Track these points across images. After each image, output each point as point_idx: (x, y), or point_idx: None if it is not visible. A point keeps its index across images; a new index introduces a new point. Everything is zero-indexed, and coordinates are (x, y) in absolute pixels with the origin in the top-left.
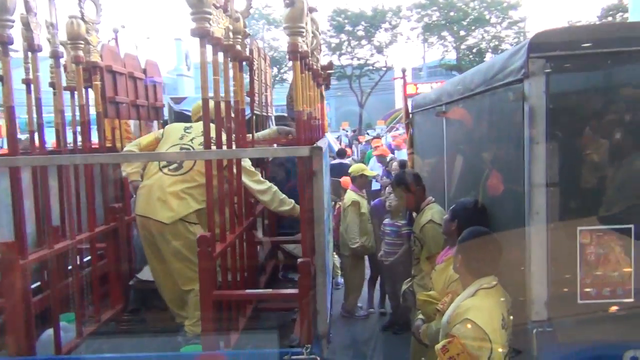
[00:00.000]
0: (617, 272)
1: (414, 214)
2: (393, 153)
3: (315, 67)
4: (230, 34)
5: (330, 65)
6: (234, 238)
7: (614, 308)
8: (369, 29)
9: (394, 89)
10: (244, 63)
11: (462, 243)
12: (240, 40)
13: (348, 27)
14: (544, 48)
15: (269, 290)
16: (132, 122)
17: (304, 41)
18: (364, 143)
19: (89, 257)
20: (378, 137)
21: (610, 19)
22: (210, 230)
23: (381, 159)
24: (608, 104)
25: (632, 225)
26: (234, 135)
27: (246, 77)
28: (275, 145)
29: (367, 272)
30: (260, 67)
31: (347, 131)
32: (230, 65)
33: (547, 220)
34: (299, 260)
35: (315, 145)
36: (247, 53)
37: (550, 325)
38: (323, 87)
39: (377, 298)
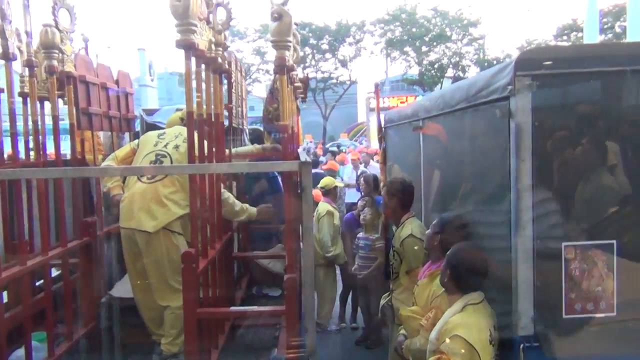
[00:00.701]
0: (600, 286)
1: (394, 228)
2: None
3: (295, 80)
4: (213, 46)
5: (306, 79)
6: (215, 253)
7: (597, 322)
8: (333, 42)
9: (357, 102)
10: (223, 75)
11: (451, 258)
12: (221, 52)
13: (312, 41)
14: (530, 66)
15: (255, 307)
16: (101, 134)
17: (290, 55)
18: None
19: (58, 273)
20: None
21: (565, 37)
22: (195, 244)
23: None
24: (592, 120)
25: (614, 241)
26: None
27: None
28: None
29: (339, 285)
30: (236, 79)
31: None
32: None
33: (533, 235)
34: (286, 276)
35: (304, 160)
36: (226, 65)
37: (537, 340)
38: (299, 100)
39: (349, 313)
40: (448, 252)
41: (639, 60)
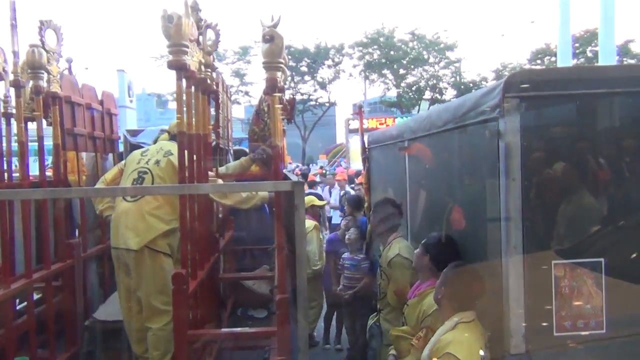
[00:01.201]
0: (589, 304)
1: (380, 248)
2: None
3: (284, 101)
4: (202, 68)
5: (292, 100)
6: (204, 274)
7: (588, 340)
8: (312, 65)
9: (336, 124)
10: (211, 96)
11: (448, 276)
12: (209, 73)
13: (291, 63)
14: (518, 88)
15: (247, 329)
16: (84, 155)
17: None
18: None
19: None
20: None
21: (539, 61)
22: (184, 265)
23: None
24: (579, 141)
25: (602, 259)
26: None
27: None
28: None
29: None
30: (223, 100)
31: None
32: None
33: (524, 253)
34: (278, 297)
35: (297, 179)
36: (214, 86)
37: (529, 358)
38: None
39: (333, 334)
40: (444, 270)
41: (625, 82)
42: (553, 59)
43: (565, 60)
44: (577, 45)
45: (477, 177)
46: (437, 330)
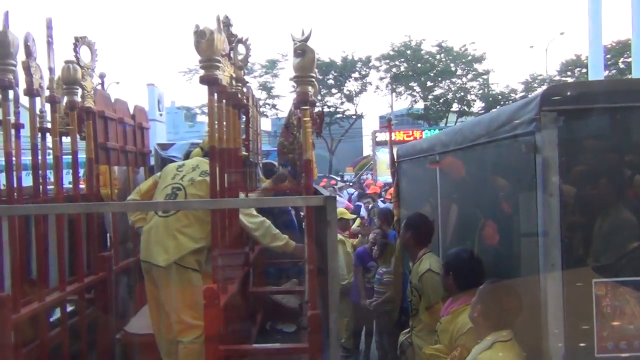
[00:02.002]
0: (633, 324)
1: (410, 264)
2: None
3: (313, 115)
4: (233, 82)
5: (322, 113)
6: (235, 288)
7: None
8: (339, 77)
9: (363, 136)
10: (241, 110)
11: (483, 293)
12: (240, 87)
13: (318, 75)
14: (555, 101)
15: (277, 345)
16: (116, 168)
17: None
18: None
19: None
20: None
21: (569, 73)
22: (215, 280)
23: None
24: (618, 154)
25: None
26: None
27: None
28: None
29: None
30: (253, 114)
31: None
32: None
33: (562, 272)
34: (310, 313)
35: (329, 194)
36: (244, 100)
37: None
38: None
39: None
40: (480, 288)
41: None
42: (584, 70)
43: (596, 71)
44: (608, 56)
45: (511, 191)
46: (473, 350)
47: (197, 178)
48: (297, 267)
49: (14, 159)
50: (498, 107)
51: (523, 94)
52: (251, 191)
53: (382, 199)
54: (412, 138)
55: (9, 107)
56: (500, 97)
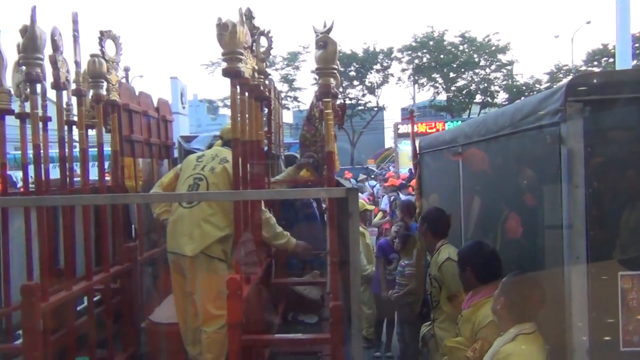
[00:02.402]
0: None
1: (428, 257)
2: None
3: (335, 107)
4: (256, 74)
5: (344, 106)
6: (257, 279)
7: None
8: (361, 69)
9: (384, 128)
10: (263, 103)
11: (507, 286)
12: (262, 80)
13: (340, 68)
14: (581, 91)
15: (300, 335)
16: (140, 161)
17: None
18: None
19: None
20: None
21: (595, 63)
22: (238, 271)
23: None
24: None
25: None
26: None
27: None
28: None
29: None
30: (275, 107)
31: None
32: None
33: (587, 264)
34: (332, 304)
35: (352, 186)
36: (267, 93)
37: None
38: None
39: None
40: (504, 280)
41: None
42: (611, 60)
43: (624, 61)
44: (637, 45)
45: (535, 183)
46: (496, 342)
47: (217, 166)
48: (319, 258)
49: (42, 151)
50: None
51: (548, 84)
52: (273, 184)
53: (400, 191)
54: (434, 130)
55: (37, 100)
56: (524, 88)
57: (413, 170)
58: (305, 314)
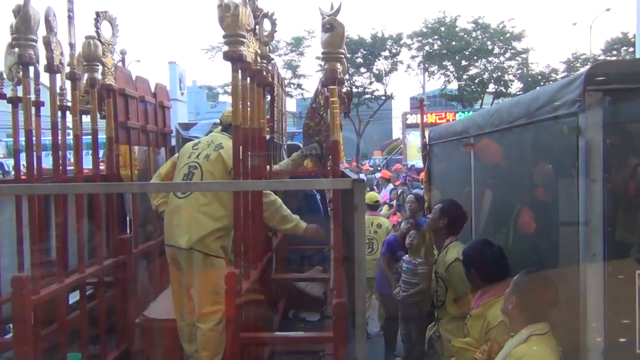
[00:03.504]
0: None
1: (436, 252)
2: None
3: (341, 94)
4: (258, 59)
5: (350, 93)
6: (257, 275)
7: None
8: (368, 56)
9: (392, 118)
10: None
11: (519, 284)
12: (265, 65)
13: (347, 54)
14: (601, 80)
15: (300, 333)
16: (136, 149)
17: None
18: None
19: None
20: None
21: (615, 52)
22: (237, 265)
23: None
24: None
25: None
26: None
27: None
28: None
29: None
30: (278, 93)
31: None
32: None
33: (604, 262)
34: (335, 301)
35: (358, 177)
36: (269, 78)
37: None
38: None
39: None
40: (515, 278)
41: None
42: (631, 49)
43: None
44: None
45: (551, 177)
46: (507, 343)
47: (212, 153)
48: (322, 253)
49: (34, 138)
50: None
51: (565, 74)
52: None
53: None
54: (444, 121)
55: (29, 84)
56: (540, 77)
57: (422, 162)
58: (306, 312)
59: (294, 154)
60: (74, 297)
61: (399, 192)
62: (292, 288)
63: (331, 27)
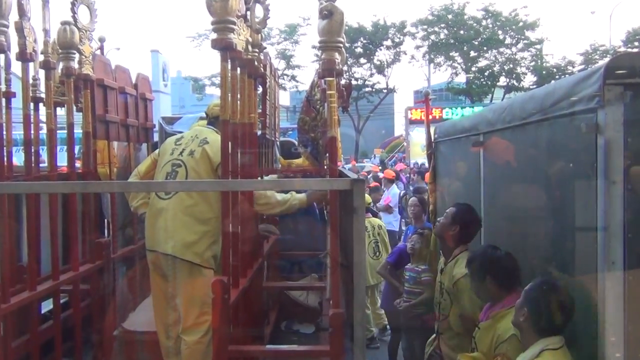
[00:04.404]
0: None
1: (442, 260)
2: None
3: (340, 87)
4: (249, 47)
5: (349, 85)
6: (247, 282)
7: None
8: (369, 45)
9: (394, 114)
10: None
11: (531, 295)
12: (257, 54)
13: (345, 43)
14: (622, 74)
15: (294, 347)
16: (115, 144)
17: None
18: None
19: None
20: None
21: (636, 43)
22: (226, 272)
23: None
24: None
25: None
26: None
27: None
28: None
29: None
30: (271, 85)
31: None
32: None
33: (624, 271)
34: (332, 312)
35: (357, 177)
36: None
37: None
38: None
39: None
40: (526, 288)
41: None
42: None
43: None
44: None
45: (567, 178)
46: (519, 358)
47: (196, 149)
48: (317, 259)
49: (4, 132)
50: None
51: (582, 67)
52: (267, 173)
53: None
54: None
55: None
56: (555, 70)
57: (427, 162)
58: (300, 323)
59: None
60: (47, 306)
61: (401, 195)
62: (284, 297)
63: (329, 13)
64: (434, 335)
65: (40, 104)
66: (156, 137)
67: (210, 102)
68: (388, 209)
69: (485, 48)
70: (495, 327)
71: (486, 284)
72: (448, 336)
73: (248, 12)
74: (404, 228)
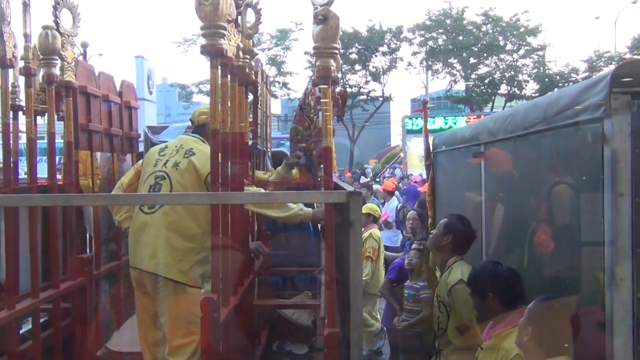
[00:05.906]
0: None
1: (438, 274)
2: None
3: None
4: (240, 53)
5: (345, 93)
6: (237, 300)
7: None
8: (364, 52)
9: (390, 122)
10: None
11: (536, 313)
12: (248, 60)
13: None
14: (628, 82)
15: None
16: (98, 155)
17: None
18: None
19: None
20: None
21: None
22: (215, 291)
23: None
24: None
25: None
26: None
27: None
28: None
29: None
30: (262, 93)
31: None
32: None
33: (633, 288)
34: (327, 331)
35: (354, 189)
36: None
37: None
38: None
39: None
40: (530, 306)
41: None
42: None
43: None
44: None
45: (572, 190)
46: None
47: (181, 160)
48: (310, 276)
49: None
50: (555, 89)
51: (586, 74)
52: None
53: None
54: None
55: None
56: (558, 77)
57: (426, 173)
58: (293, 343)
59: (280, 167)
60: (26, 325)
61: (398, 208)
62: (276, 316)
63: (324, 18)
64: (434, 356)
65: (20, 113)
66: (141, 147)
67: (196, 109)
68: (387, 225)
69: (485, 54)
70: (499, 347)
71: (488, 302)
72: (448, 352)
73: (239, 17)
74: None
